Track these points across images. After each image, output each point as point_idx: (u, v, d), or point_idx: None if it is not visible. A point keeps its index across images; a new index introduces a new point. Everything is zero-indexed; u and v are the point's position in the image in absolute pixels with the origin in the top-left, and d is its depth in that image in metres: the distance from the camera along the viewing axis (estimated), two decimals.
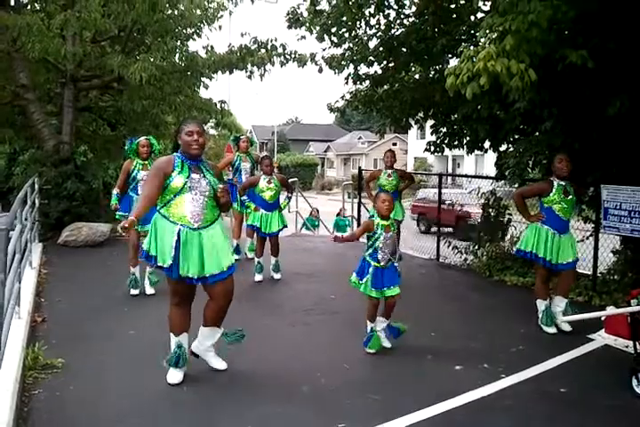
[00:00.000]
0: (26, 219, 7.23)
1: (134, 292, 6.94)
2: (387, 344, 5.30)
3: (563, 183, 5.90)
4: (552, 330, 5.86)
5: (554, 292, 6.13)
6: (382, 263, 5.08)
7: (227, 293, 4.41)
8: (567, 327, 5.87)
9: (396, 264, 5.18)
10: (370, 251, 5.14)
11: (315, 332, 5.85)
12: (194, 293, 4.52)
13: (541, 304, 5.98)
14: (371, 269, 5.09)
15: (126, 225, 3.92)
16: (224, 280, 4.37)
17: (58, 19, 9.57)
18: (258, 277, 7.84)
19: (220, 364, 4.66)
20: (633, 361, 4.49)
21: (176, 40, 12.36)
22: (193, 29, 12.28)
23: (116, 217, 7.25)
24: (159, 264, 4.29)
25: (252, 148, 9.59)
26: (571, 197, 5.91)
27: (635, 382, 4.35)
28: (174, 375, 4.42)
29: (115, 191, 7.16)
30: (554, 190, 5.86)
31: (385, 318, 5.25)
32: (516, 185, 8.14)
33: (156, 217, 4.34)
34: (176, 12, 11.59)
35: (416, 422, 3.88)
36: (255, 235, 8.09)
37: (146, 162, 7.00)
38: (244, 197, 8.00)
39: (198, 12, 11.94)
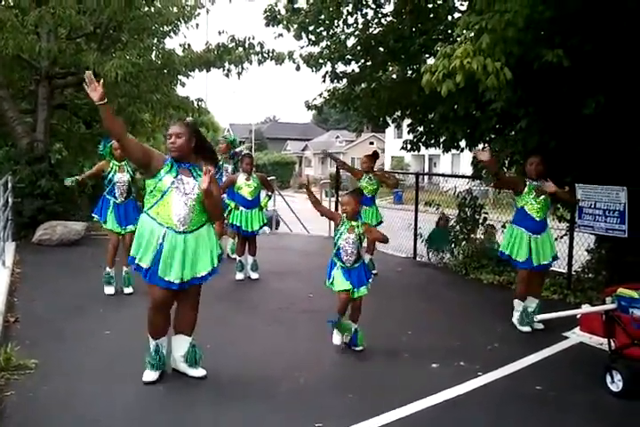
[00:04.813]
0: None
1: (109, 291, 6.86)
2: (357, 348, 5.21)
3: (535, 183, 5.93)
4: (527, 329, 5.91)
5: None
6: (348, 264, 5.05)
7: (194, 299, 4.42)
8: (540, 326, 5.92)
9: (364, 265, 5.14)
10: (334, 250, 5.11)
11: (293, 331, 5.83)
12: (172, 298, 4.37)
13: (519, 304, 6.02)
14: (338, 269, 5.07)
15: None
16: (195, 286, 4.35)
17: (32, 15, 9.45)
18: (239, 276, 7.82)
19: (197, 372, 4.48)
20: (607, 359, 4.53)
21: (153, 38, 12.28)
22: (170, 27, 12.17)
23: (93, 219, 7.35)
24: (137, 262, 4.22)
25: (244, 146, 9.55)
26: (543, 197, 5.92)
27: (609, 379, 4.38)
28: (150, 375, 4.37)
29: (77, 177, 7.37)
30: (526, 189, 5.91)
31: (352, 321, 5.18)
32: (492, 184, 8.18)
33: (143, 219, 4.27)
34: (152, 10, 11.50)
35: (394, 421, 3.88)
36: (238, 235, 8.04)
37: (122, 163, 6.87)
38: (224, 195, 7.91)
39: (175, 9, 11.84)
